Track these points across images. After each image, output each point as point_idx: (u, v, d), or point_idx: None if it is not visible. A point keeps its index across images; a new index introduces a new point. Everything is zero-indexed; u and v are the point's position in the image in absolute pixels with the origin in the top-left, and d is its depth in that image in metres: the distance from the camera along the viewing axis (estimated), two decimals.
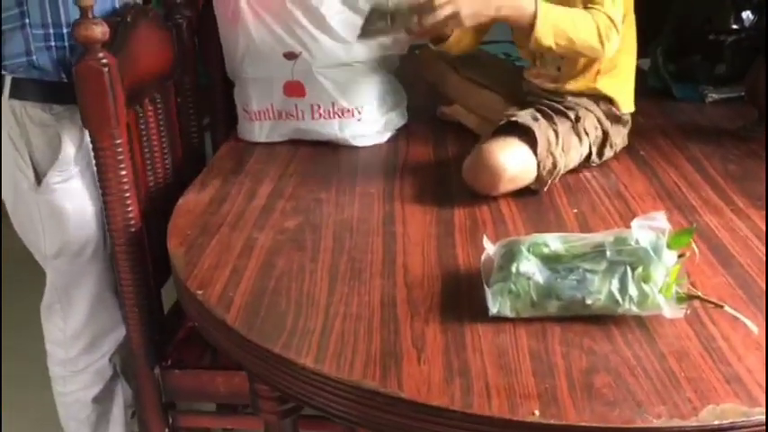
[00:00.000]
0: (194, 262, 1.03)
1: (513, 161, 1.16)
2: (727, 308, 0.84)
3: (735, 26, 1.63)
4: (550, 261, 0.88)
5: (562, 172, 1.22)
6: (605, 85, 1.31)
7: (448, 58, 1.46)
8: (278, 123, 1.47)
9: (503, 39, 1.52)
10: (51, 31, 1.21)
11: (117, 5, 1.29)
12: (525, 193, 1.21)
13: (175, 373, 1.32)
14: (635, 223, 0.88)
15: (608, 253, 0.87)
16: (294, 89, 1.44)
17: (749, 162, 1.32)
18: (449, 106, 1.54)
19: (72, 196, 1.31)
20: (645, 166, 1.33)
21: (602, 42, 1.19)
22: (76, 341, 1.43)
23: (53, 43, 1.22)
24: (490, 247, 0.96)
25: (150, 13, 1.35)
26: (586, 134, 1.27)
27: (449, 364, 0.80)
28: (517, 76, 1.43)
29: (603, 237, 0.90)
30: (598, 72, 1.30)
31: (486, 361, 0.81)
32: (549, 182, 1.20)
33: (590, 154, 1.29)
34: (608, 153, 1.33)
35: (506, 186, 1.17)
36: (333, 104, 1.43)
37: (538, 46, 1.19)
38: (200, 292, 0.96)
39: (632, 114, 1.38)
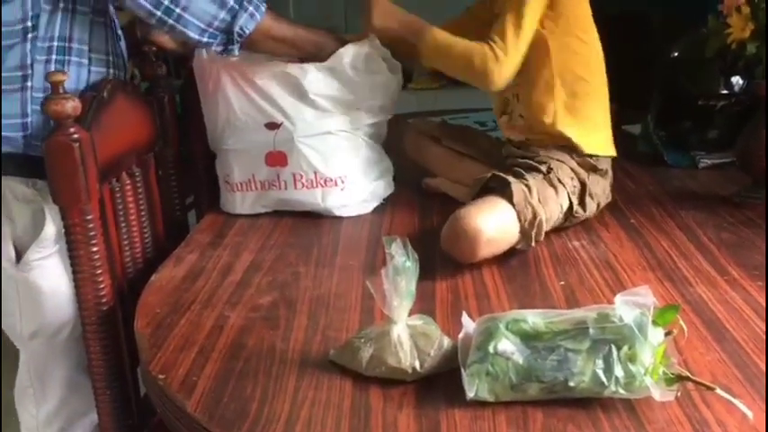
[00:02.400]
0: (160, 343, 0.98)
1: (490, 222, 1.13)
2: (719, 390, 0.79)
3: (724, 91, 1.62)
4: (530, 339, 0.83)
5: (545, 226, 1.19)
6: (566, 127, 1.31)
7: (429, 132, 1.46)
8: (260, 194, 1.44)
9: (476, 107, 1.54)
10: None
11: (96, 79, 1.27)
12: (512, 262, 1.16)
13: None
14: (618, 299, 0.83)
15: (591, 331, 0.82)
16: (276, 159, 1.41)
17: (744, 230, 1.28)
18: (433, 178, 1.51)
19: (50, 275, 1.27)
20: (635, 235, 1.28)
21: (476, 63, 1.26)
22: (48, 427, 1.36)
23: None
24: (469, 325, 0.91)
25: (129, 87, 1.34)
26: (562, 184, 1.25)
27: None
28: (496, 145, 1.43)
29: (586, 313, 0.85)
30: (555, 113, 1.31)
31: None
32: (534, 236, 1.16)
33: (571, 205, 1.26)
34: (591, 204, 1.30)
35: (486, 250, 1.13)
36: (315, 174, 1.40)
37: (424, 61, 1.33)
38: (161, 377, 0.91)
39: (622, 179, 1.35)
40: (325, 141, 1.40)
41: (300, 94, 1.37)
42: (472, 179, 1.36)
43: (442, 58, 1.30)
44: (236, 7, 1.25)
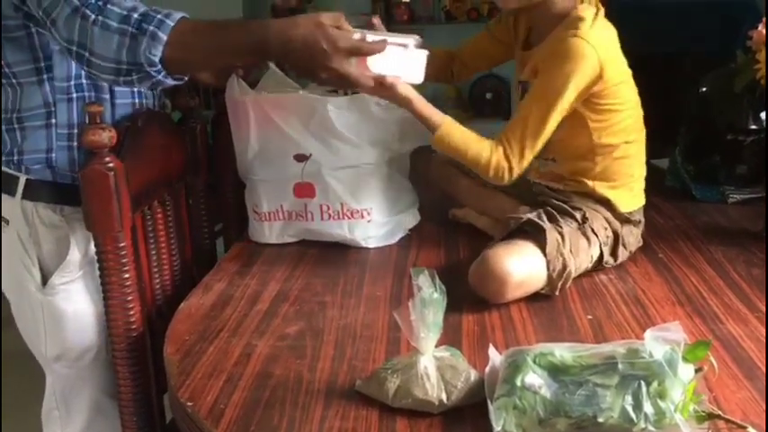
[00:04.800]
0: (188, 371, 0.99)
1: (519, 266, 1.12)
2: (751, 429, 0.78)
3: (753, 126, 1.61)
4: (558, 372, 0.83)
5: (573, 275, 1.18)
6: (605, 189, 1.29)
7: (456, 162, 1.45)
8: (288, 224, 1.46)
9: None
10: (76, 131, 1.23)
11: (132, 111, 1.30)
12: (538, 296, 1.16)
13: None
14: (648, 334, 0.82)
15: (620, 366, 0.81)
16: (304, 190, 1.43)
17: None
18: (460, 209, 1.51)
19: (74, 299, 1.29)
20: (664, 270, 1.27)
21: (487, 170, 1.23)
22: None
23: (75, 143, 1.23)
24: (496, 357, 0.91)
25: (162, 117, 1.37)
26: (595, 235, 1.23)
27: None
28: (526, 178, 1.41)
29: (614, 348, 0.84)
30: (594, 178, 1.29)
31: None
32: (560, 285, 1.15)
33: (602, 255, 1.24)
34: (623, 254, 1.28)
35: (514, 293, 1.13)
36: (342, 206, 1.41)
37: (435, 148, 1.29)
38: (190, 404, 0.92)
39: (650, 214, 1.34)
40: (352, 174, 1.42)
41: (328, 127, 1.39)
42: (499, 211, 1.37)
43: (453, 155, 1.27)
44: (135, 31, 1.05)
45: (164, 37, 1.05)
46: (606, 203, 1.29)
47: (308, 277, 1.31)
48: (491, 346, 0.92)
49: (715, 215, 1.57)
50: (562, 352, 0.84)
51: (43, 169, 1.25)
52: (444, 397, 0.87)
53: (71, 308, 1.29)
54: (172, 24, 1.05)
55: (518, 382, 0.82)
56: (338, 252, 1.42)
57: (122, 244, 1.17)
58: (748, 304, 1.13)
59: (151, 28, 1.05)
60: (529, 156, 1.22)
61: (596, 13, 1.22)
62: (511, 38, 1.40)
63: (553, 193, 1.33)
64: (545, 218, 1.20)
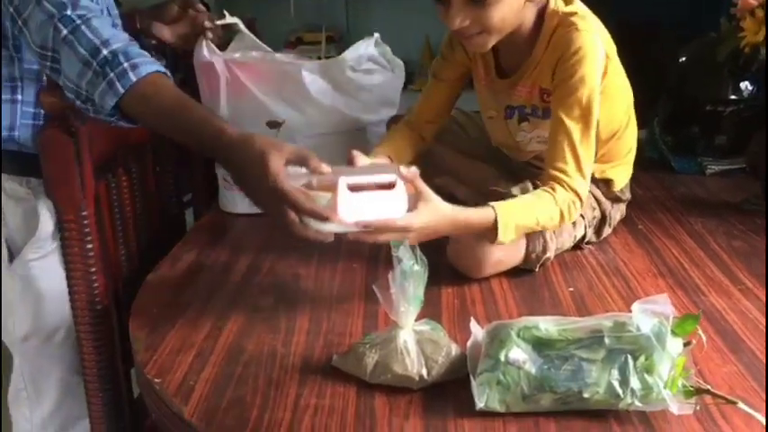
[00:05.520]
0: (156, 345, 0.95)
1: (497, 246, 1.08)
2: (741, 405, 0.76)
3: (733, 96, 1.59)
4: (542, 347, 0.80)
5: (553, 257, 1.15)
6: (603, 170, 1.25)
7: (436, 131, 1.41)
8: None
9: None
10: (42, 111, 1.16)
11: None
12: (518, 270, 1.13)
13: None
14: (636, 307, 0.80)
15: (606, 340, 0.78)
16: None
17: (755, 238, 1.25)
18: (440, 177, 1.47)
19: (48, 274, 1.23)
20: (644, 242, 1.25)
21: (563, 219, 1.10)
22: (44, 431, 1.32)
23: (40, 122, 1.17)
24: (478, 332, 0.88)
25: None
26: (582, 216, 1.19)
27: None
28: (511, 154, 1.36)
29: (601, 321, 0.81)
30: (596, 161, 1.21)
31: None
32: (538, 265, 1.12)
33: (585, 235, 1.21)
34: (606, 232, 1.25)
35: (492, 269, 1.10)
36: None
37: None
38: (158, 381, 0.87)
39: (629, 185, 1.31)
40: (327, 141, 1.37)
41: (302, 92, 1.35)
42: (480, 182, 1.33)
43: (522, 230, 1.08)
44: (98, 69, 0.99)
45: (120, 90, 0.99)
46: (605, 183, 1.25)
47: (282, 249, 1.26)
48: (472, 319, 0.89)
49: (693, 186, 1.55)
50: (547, 326, 0.81)
51: (6, 142, 1.18)
52: (425, 372, 0.83)
53: (44, 284, 1.23)
54: (133, 81, 0.99)
55: (502, 357, 0.79)
56: None
57: (85, 213, 1.11)
58: (730, 276, 1.11)
59: (112, 75, 0.99)
60: (589, 173, 1.11)
61: (570, 1, 1.16)
62: (465, 67, 1.29)
63: (540, 169, 1.28)
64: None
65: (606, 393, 0.77)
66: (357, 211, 0.94)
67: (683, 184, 1.56)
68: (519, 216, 1.06)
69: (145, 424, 1.27)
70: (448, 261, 1.13)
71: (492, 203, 1.05)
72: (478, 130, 1.38)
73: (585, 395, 0.77)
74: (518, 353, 0.79)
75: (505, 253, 1.10)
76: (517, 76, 1.20)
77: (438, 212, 1.00)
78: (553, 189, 1.09)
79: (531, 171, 1.27)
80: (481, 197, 1.29)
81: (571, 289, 1.09)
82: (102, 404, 1.21)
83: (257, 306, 1.05)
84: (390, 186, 0.97)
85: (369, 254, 1.22)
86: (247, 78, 1.35)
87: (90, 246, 1.13)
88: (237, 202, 1.43)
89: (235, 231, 1.36)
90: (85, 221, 1.12)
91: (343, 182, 0.95)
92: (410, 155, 1.29)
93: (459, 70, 1.29)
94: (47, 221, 1.22)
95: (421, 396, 0.83)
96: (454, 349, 0.86)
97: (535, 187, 1.18)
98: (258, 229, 1.35)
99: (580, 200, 1.10)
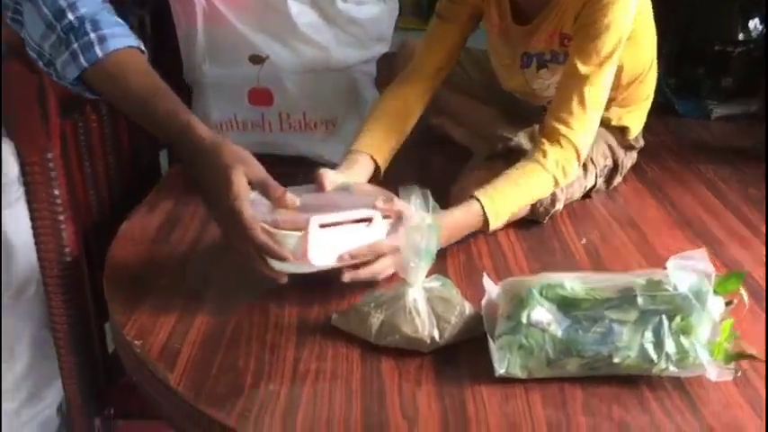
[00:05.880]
0: (134, 303, 0.85)
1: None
2: None
3: (742, 36, 1.50)
4: (568, 307, 0.72)
5: (561, 209, 1.07)
6: (620, 116, 1.17)
7: None
8: (242, 136, 1.30)
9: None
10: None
11: None
12: (526, 217, 1.05)
13: (120, 425, 1.14)
14: (672, 264, 0.72)
15: (639, 299, 0.71)
16: (260, 97, 1.27)
17: None
18: (436, 117, 1.37)
19: (17, 223, 1.12)
20: (656, 190, 1.18)
21: (558, 184, 1.01)
22: (17, 392, 1.23)
23: None
24: (492, 289, 0.80)
25: None
26: (593, 164, 1.11)
27: None
28: (519, 96, 1.27)
29: (632, 278, 0.74)
30: (612, 100, 1.11)
31: None
32: (545, 219, 1.04)
33: (595, 184, 1.14)
34: (617, 180, 1.18)
35: None
36: (304, 115, 1.27)
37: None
38: (138, 343, 0.78)
39: None
40: (315, 79, 1.27)
41: (288, 25, 1.23)
42: (481, 125, 1.24)
43: (515, 213, 1.00)
44: (62, 35, 0.87)
45: (84, 64, 0.87)
46: (621, 131, 1.17)
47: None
48: (485, 275, 0.81)
49: (699, 131, 1.48)
50: (572, 283, 0.74)
51: None
52: (436, 334, 0.75)
53: (11, 234, 1.12)
54: (99, 56, 0.86)
55: (523, 319, 0.72)
56: (302, 169, 1.27)
57: (50, 155, 1.00)
58: (750, 227, 1.05)
59: (76, 45, 0.86)
60: (594, 128, 1.01)
61: None
62: (476, 9, 1.15)
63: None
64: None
65: (638, 358, 0.70)
66: (330, 254, 0.82)
67: (688, 129, 1.49)
68: (507, 199, 0.97)
69: (121, 381, 1.18)
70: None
71: (476, 194, 0.95)
72: (479, 70, 1.28)
73: (616, 360, 0.70)
74: (542, 313, 0.72)
75: None
76: (537, 22, 1.09)
77: None
78: (543, 154, 0.99)
79: (540, 114, 1.17)
80: (480, 140, 1.20)
81: (584, 241, 1.01)
82: (74, 362, 1.12)
83: None
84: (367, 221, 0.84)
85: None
86: (227, 9, 1.23)
87: (57, 192, 1.02)
88: None
89: None
90: (51, 164, 1.01)
91: (315, 223, 0.81)
92: (396, 142, 1.11)
93: (468, 11, 1.14)
94: (11, 165, 1.10)
95: (432, 360, 0.75)
96: (468, 308, 0.78)
97: None
98: None
99: (578, 157, 1.00)
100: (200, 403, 0.69)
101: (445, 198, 1.05)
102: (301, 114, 1.26)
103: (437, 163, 1.27)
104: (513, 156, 1.06)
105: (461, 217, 0.94)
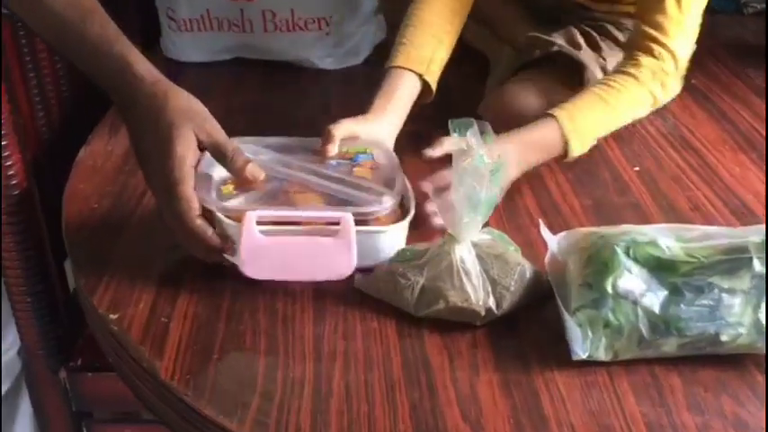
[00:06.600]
0: (104, 260, 0.68)
1: (542, 102, 0.84)
2: None
3: None
4: (664, 272, 0.58)
5: None
6: None
7: None
8: (217, 36, 1.11)
9: None
10: None
11: None
12: None
13: (88, 377, 0.99)
14: None
15: (755, 263, 0.56)
16: None
17: None
18: None
19: None
20: (705, 102, 1.03)
21: (657, 102, 0.84)
22: None
23: None
24: (552, 241, 0.64)
25: None
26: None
27: None
28: None
29: (741, 234, 0.59)
30: None
31: None
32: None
33: None
34: None
35: None
36: (292, 12, 1.06)
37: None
38: (114, 317, 0.62)
39: None
40: None
41: None
42: (498, 22, 1.05)
43: (602, 135, 0.83)
44: None
45: None
46: None
47: (251, 110, 0.99)
48: (542, 224, 0.65)
49: (735, 28, 1.32)
50: (667, 241, 0.59)
51: None
52: (492, 303, 0.61)
53: None
54: None
55: (608, 288, 0.57)
56: (288, 76, 1.09)
57: None
58: None
59: None
60: (694, 32, 0.84)
61: None
62: None
63: (594, 12, 0.98)
64: (582, 42, 0.90)
65: (751, 335, 0.56)
66: (274, 264, 0.63)
67: (722, 26, 1.32)
68: (593, 119, 0.79)
69: (86, 332, 1.03)
70: None
71: (553, 111, 0.77)
72: None
73: (723, 338, 0.56)
74: (632, 281, 0.57)
75: None
76: None
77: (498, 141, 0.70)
78: (636, 64, 0.81)
79: (579, 14, 0.99)
80: (498, 43, 1.03)
81: (636, 168, 0.86)
82: (30, 310, 0.95)
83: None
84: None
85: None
86: None
87: None
88: (186, 46, 1.12)
89: (186, 87, 1.06)
90: None
91: (252, 218, 0.61)
92: (449, 46, 0.87)
93: None
94: None
95: (487, 335, 0.61)
96: (528, 269, 0.63)
97: (583, 35, 0.92)
98: (216, 84, 1.07)
99: (677, 67, 0.83)
100: (202, 404, 0.54)
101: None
102: (289, 12, 1.06)
103: (447, 75, 1.07)
104: (552, 64, 0.88)
105: (535, 140, 0.76)
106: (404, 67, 0.81)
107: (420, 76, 0.81)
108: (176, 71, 1.11)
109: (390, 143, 0.77)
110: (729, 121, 0.97)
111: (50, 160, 0.96)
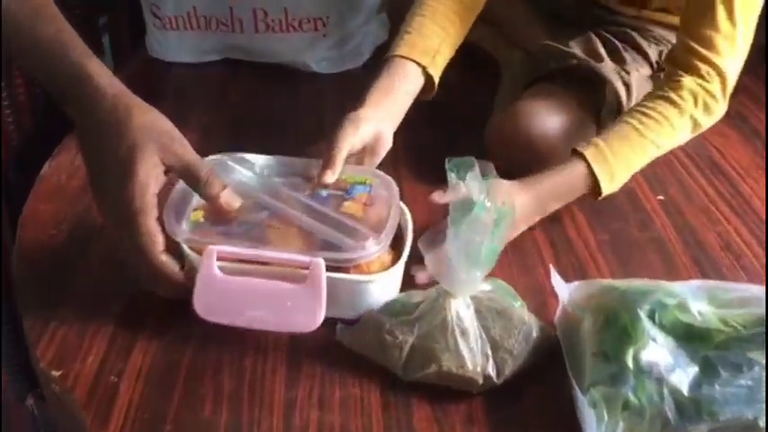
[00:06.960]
0: (55, 300, 0.60)
1: (559, 126, 0.75)
2: None
3: None
4: (695, 342, 0.49)
5: None
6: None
7: None
8: (205, 36, 1.03)
9: None
10: None
11: None
12: None
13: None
14: None
15: None
16: None
17: None
18: None
19: None
20: (737, 119, 0.93)
21: (699, 128, 0.73)
22: None
23: None
24: (563, 292, 0.56)
25: None
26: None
27: None
28: None
29: None
30: None
31: None
32: None
33: None
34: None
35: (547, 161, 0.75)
36: (285, 12, 0.98)
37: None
38: (56, 374, 0.54)
39: None
40: None
41: None
42: (513, 27, 0.96)
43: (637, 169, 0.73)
44: None
45: None
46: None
47: (240, 116, 0.92)
48: (552, 270, 0.57)
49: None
50: (699, 304, 0.50)
51: None
52: (492, 370, 0.52)
53: None
54: None
55: (629, 360, 0.48)
56: (281, 80, 1.00)
57: None
58: None
59: None
60: (746, 49, 0.73)
61: None
62: None
63: (618, 17, 0.88)
64: (603, 53, 0.80)
65: None
66: (230, 307, 0.55)
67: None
68: (626, 154, 0.69)
69: None
70: (479, 146, 0.78)
71: (582, 148, 0.68)
72: None
73: (762, 423, 0.48)
74: (657, 353, 0.48)
75: (567, 135, 0.76)
76: None
77: (512, 191, 0.64)
78: (677, 87, 0.71)
79: (600, 17, 0.88)
80: (508, 46, 0.94)
81: (660, 197, 0.77)
82: None
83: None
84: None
85: None
86: None
87: None
88: (172, 45, 1.04)
89: (172, 89, 1.00)
90: None
91: (213, 252, 0.55)
92: (458, 36, 0.77)
93: None
94: None
95: (486, 405, 0.52)
96: (535, 328, 0.55)
97: (604, 44, 0.83)
98: (204, 86, 1.01)
99: (725, 90, 0.72)
100: None
101: (479, 133, 0.79)
102: (282, 11, 0.98)
103: (453, 80, 0.98)
104: (569, 77, 0.80)
105: (559, 187, 0.68)
106: (407, 57, 0.72)
107: (424, 68, 0.72)
108: (162, 71, 1.04)
109: (388, 142, 0.68)
110: (761, 139, 0.88)
111: (19, 166, 0.88)
